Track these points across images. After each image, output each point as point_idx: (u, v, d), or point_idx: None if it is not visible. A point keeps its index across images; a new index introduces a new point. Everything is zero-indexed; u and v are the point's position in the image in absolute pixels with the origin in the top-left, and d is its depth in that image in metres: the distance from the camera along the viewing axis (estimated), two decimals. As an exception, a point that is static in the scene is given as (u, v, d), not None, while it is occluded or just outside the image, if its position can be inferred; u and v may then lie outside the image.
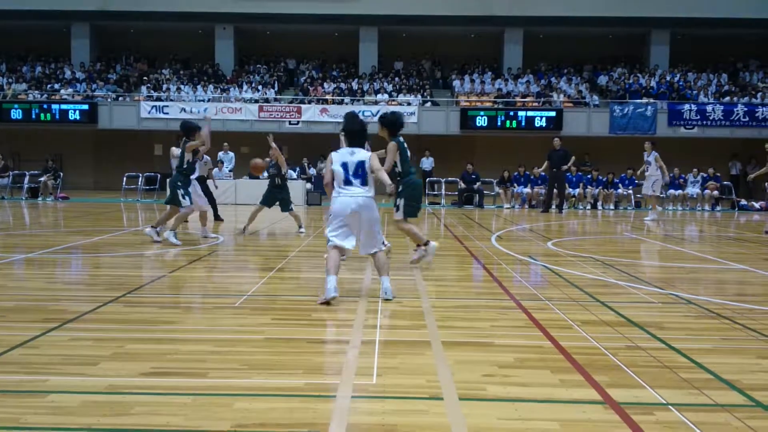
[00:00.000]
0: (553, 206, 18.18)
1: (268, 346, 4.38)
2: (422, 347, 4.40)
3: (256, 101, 26.27)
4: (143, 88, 27.53)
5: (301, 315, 5.30)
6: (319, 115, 25.52)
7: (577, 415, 3.28)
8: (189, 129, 9.58)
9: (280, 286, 6.54)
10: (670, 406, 3.39)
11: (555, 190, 18.01)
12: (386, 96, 26.81)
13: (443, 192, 21.46)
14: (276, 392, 3.51)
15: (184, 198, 9.49)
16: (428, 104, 26.58)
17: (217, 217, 13.42)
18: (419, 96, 26.90)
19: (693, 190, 20.42)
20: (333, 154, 6.00)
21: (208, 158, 12.82)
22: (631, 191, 20.84)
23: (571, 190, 20.07)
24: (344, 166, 5.91)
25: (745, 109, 24.71)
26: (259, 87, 27.62)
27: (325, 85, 27.88)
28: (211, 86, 27.48)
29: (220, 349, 4.29)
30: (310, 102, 26.31)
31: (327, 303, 5.55)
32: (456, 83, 28.02)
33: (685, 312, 5.64)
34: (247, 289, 6.16)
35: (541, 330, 4.91)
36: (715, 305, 5.87)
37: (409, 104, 26.12)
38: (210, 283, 6.96)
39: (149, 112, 25.55)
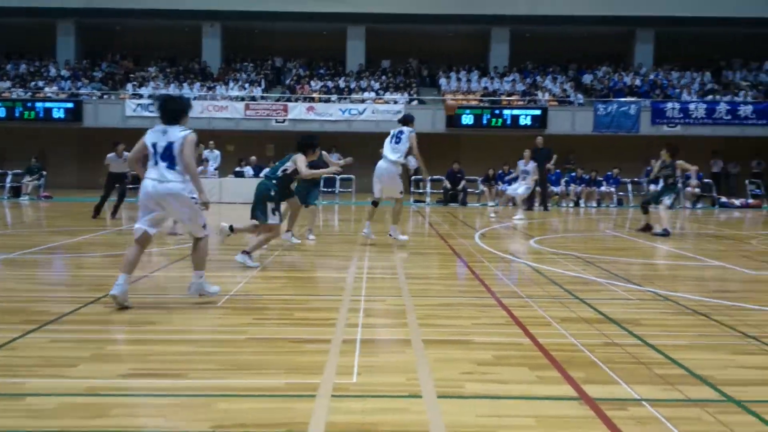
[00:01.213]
0: (537, 204, 18.29)
1: (249, 346, 4.40)
2: (403, 345, 4.45)
3: (243, 99, 26.21)
4: (129, 86, 27.39)
5: (284, 314, 5.32)
6: (305, 113, 25.50)
7: (553, 411, 3.34)
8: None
9: (264, 286, 6.56)
10: (643, 402, 3.45)
11: (538, 189, 18.12)
12: (373, 94, 26.83)
13: (428, 190, 21.52)
14: (256, 392, 3.53)
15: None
16: (415, 102, 26.62)
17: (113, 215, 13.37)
18: (406, 94, 26.95)
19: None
20: (149, 130, 5.48)
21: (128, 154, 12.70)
22: (613, 189, 21.01)
23: (554, 188, 20.20)
24: (154, 146, 5.35)
25: (728, 107, 24.96)
26: (246, 85, 27.55)
27: (312, 83, 27.86)
28: (197, 84, 27.38)
29: (200, 349, 4.31)
30: (296, 100, 26.29)
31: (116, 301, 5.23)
32: (443, 81, 28.10)
33: (663, 308, 5.73)
34: (229, 288, 6.17)
35: (521, 327, 4.97)
36: (692, 302, 5.96)
37: (395, 102, 26.15)
38: (193, 282, 6.94)
39: (134, 111, 25.40)
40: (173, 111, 5.47)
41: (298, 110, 25.55)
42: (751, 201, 20.90)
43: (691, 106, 25.03)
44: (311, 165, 8.35)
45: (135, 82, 27.64)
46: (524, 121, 25.16)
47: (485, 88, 27.46)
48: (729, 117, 24.85)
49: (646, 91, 26.44)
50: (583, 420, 3.23)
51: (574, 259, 8.58)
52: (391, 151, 9.53)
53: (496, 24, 28.58)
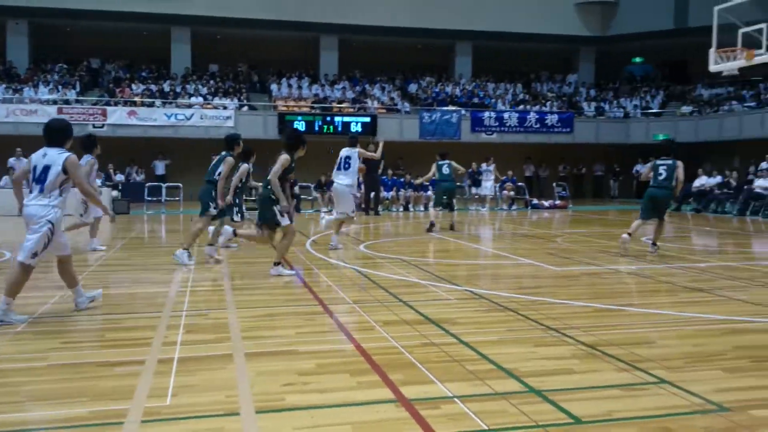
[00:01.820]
0: (369, 208, 18.75)
1: (51, 373, 4.04)
2: (223, 361, 4.32)
3: (55, 102, 24.16)
4: None
5: (94, 336, 4.96)
6: (126, 117, 24.07)
7: (370, 416, 3.40)
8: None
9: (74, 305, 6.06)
10: (455, 399, 3.63)
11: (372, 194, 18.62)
12: (201, 99, 25.96)
13: (261, 197, 21.20)
14: (56, 425, 3.25)
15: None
16: (245, 108, 26.16)
17: None
18: (236, 100, 26.39)
19: (488, 183, 21.77)
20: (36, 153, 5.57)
21: None
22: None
23: (385, 193, 20.80)
24: (34, 170, 5.42)
25: (537, 116, 27.24)
26: (59, 87, 25.44)
27: (134, 86, 26.36)
28: (2, 86, 24.81)
29: (-7, 381, 3.89)
30: (116, 104, 24.73)
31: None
32: (273, 87, 27.88)
33: (477, 306, 6.08)
34: (33, 310, 5.64)
35: (345, 333, 5.04)
36: (504, 298, 6.39)
37: (225, 108, 25.51)
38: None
39: (-76, 115, 22.49)
40: (52, 133, 5.49)
41: (118, 114, 24.04)
42: (558, 202, 22.95)
43: (506, 115, 27.00)
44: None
45: None
46: (355, 128, 25.63)
47: (316, 95, 27.64)
48: (538, 125, 27.12)
49: (465, 101, 28.09)
50: (398, 422, 3.33)
51: (400, 263, 8.87)
52: (343, 177, 10.46)
53: (325, 32, 28.87)
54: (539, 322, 5.40)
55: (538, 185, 27.55)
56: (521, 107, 28.13)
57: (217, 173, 8.92)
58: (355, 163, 10.58)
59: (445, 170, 13.53)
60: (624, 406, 3.57)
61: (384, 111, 26.91)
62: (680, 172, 9.70)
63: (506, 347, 4.69)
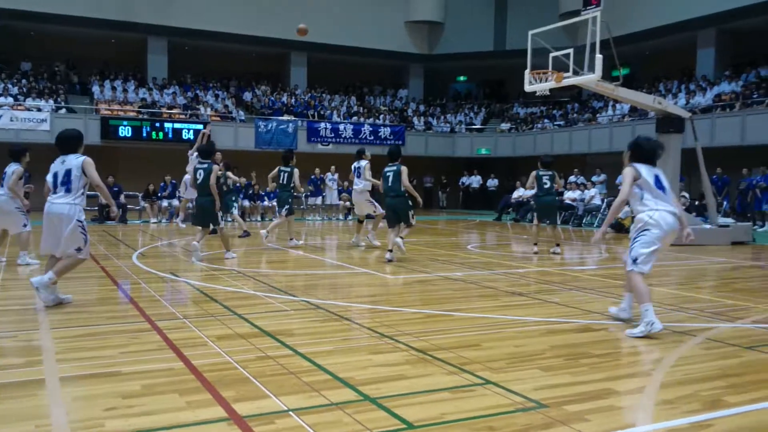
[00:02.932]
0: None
1: None
2: (34, 387, 3.92)
3: None
4: None
5: None
6: None
7: (201, 437, 3.25)
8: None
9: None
10: (290, 412, 3.57)
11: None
12: (11, 100, 23.59)
13: (84, 207, 19.68)
14: None
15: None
16: (63, 111, 24.19)
17: None
18: (52, 101, 24.31)
19: (333, 192, 22.12)
20: (52, 164, 6.33)
21: None
22: (275, 203, 21.84)
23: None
24: (55, 176, 6.25)
25: (371, 128, 27.97)
26: None
27: (-73, 83, 23.38)
28: None
29: None
30: None
31: None
32: (95, 89, 26.04)
33: (313, 317, 6.07)
34: None
35: (175, 351, 4.78)
36: (340, 308, 6.44)
37: (39, 110, 23.39)
38: None
39: None
40: (67, 141, 6.35)
41: None
42: (392, 212, 23.60)
43: (341, 127, 27.43)
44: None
45: None
46: (187, 135, 24.65)
47: (143, 99, 26.23)
48: (372, 137, 27.85)
49: (301, 111, 28.13)
50: (231, 440, 3.21)
51: (235, 275, 8.63)
52: (356, 183, 12.45)
53: (153, 34, 27.51)
54: (374, 330, 5.50)
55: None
56: (355, 119, 28.72)
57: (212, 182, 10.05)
58: (365, 172, 12.43)
59: None
60: (453, 408, 3.70)
61: (218, 119, 26.20)
62: (557, 180, 11.91)
63: (342, 356, 4.71)
